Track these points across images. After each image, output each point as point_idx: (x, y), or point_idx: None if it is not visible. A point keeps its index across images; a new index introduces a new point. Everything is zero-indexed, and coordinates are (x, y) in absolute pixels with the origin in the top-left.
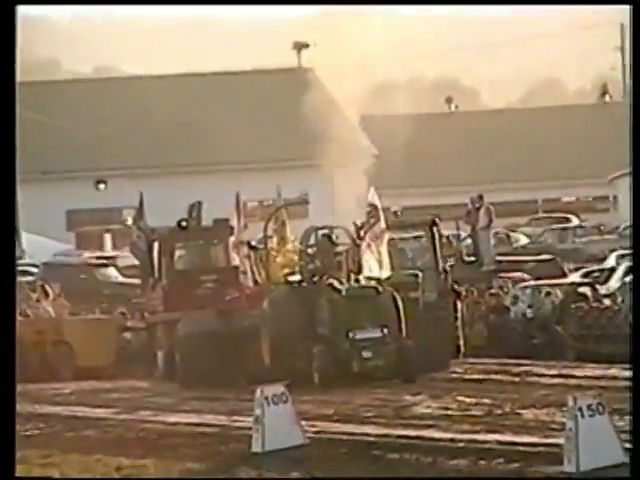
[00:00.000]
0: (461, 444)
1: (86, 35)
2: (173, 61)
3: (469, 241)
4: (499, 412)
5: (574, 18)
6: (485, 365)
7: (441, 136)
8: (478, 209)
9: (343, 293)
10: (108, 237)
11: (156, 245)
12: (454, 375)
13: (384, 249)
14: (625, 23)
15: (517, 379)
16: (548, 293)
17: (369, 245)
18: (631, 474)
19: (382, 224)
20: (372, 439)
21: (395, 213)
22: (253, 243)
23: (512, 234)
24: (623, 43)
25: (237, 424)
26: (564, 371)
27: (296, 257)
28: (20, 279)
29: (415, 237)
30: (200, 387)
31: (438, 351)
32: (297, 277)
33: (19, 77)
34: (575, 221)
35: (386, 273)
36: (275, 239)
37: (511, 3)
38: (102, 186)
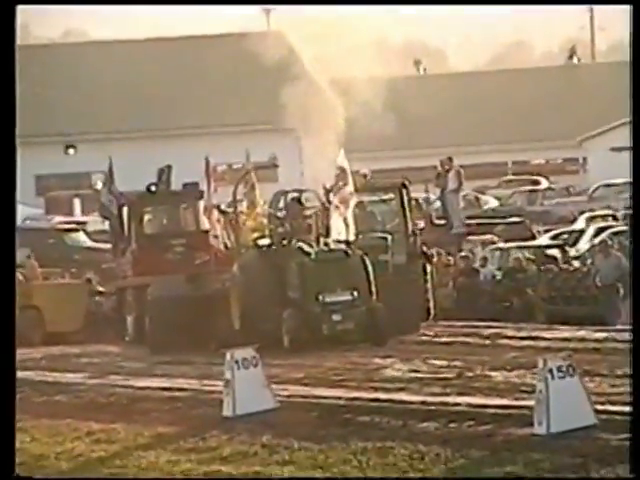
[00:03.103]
0: (432, 407)
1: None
2: (142, 26)
3: (438, 204)
4: (469, 375)
5: None
6: (455, 328)
7: (410, 99)
8: (447, 172)
9: (312, 256)
10: (77, 202)
11: (125, 210)
12: (424, 338)
13: (351, 212)
14: None
15: (487, 341)
16: (517, 256)
17: (338, 208)
18: (631, 474)
19: (351, 187)
20: (343, 402)
21: (364, 176)
22: (223, 207)
23: (481, 196)
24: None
25: (207, 388)
26: (534, 333)
27: (265, 221)
28: None
29: (384, 200)
30: (170, 351)
31: (408, 314)
32: (267, 241)
33: None
34: (544, 183)
35: (352, 237)
36: (245, 203)
37: None
38: (71, 151)
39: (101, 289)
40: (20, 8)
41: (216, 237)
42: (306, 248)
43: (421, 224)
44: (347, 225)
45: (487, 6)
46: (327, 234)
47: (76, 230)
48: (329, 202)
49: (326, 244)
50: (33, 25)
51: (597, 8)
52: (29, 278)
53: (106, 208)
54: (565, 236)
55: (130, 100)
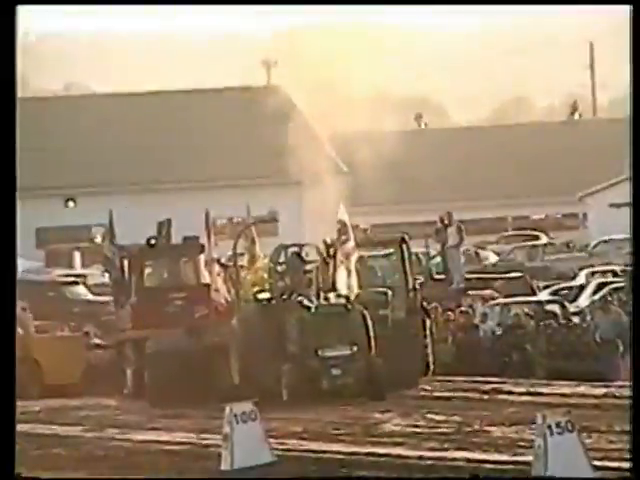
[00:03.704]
0: (430, 462)
1: (54, 52)
2: (142, 79)
3: (438, 259)
4: (468, 429)
5: (543, 35)
6: (454, 383)
7: (411, 153)
8: (447, 227)
9: (312, 311)
10: (77, 255)
11: (126, 263)
12: (423, 393)
13: (354, 267)
14: (594, 40)
15: (486, 396)
16: (517, 312)
17: (339, 263)
18: (631, 474)
19: (352, 242)
20: (341, 457)
21: (365, 230)
22: (223, 261)
23: (481, 252)
24: (592, 61)
25: (206, 442)
26: (533, 389)
27: (266, 275)
28: None
29: (385, 255)
30: (169, 405)
31: (407, 369)
32: (267, 295)
33: None
34: (544, 239)
35: (355, 291)
36: (245, 257)
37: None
38: (71, 204)
39: (100, 342)
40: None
41: (217, 291)
42: (306, 302)
43: (421, 279)
44: (349, 280)
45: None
46: (333, 288)
47: (76, 283)
48: (329, 256)
49: (326, 299)
50: (32, 78)
51: (598, 65)
52: (23, 331)
53: (109, 261)
54: (565, 292)
55: (130, 153)
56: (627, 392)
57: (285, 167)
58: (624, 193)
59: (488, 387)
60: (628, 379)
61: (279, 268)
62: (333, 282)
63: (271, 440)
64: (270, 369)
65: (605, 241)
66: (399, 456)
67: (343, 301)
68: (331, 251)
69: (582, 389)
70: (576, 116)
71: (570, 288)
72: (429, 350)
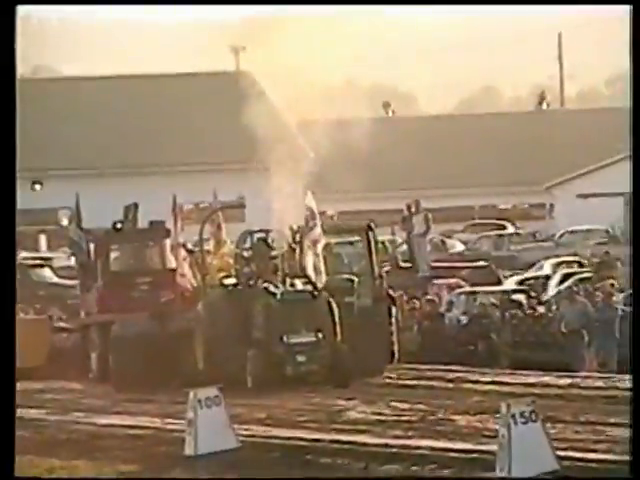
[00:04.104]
0: (394, 449)
1: (22, 35)
2: (110, 62)
3: (405, 247)
4: (432, 418)
5: (512, 27)
6: (419, 371)
7: (378, 141)
8: (414, 215)
9: (278, 297)
10: (43, 238)
11: (92, 246)
12: (388, 380)
13: (320, 253)
14: (563, 32)
15: (451, 385)
16: (483, 301)
17: (305, 249)
18: (631, 474)
19: (318, 228)
20: (305, 443)
21: (331, 217)
22: (189, 246)
23: (448, 240)
24: (560, 52)
25: (170, 427)
26: (498, 378)
27: (232, 260)
28: None
29: (351, 242)
30: (134, 389)
31: (372, 356)
32: (233, 280)
33: None
34: (511, 228)
35: (322, 278)
36: (211, 242)
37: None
38: (38, 186)
39: (65, 325)
40: None
41: (183, 276)
42: (272, 289)
43: (387, 267)
44: (316, 266)
45: (456, 51)
46: (299, 275)
47: (41, 266)
48: (296, 243)
49: (292, 285)
50: None
51: (566, 56)
52: None
53: (76, 243)
54: (531, 282)
55: (97, 137)
56: (592, 383)
57: (253, 153)
58: (591, 184)
59: (453, 376)
60: (593, 370)
61: (245, 254)
62: (299, 268)
63: (235, 426)
64: (235, 355)
65: (571, 232)
66: (363, 444)
67: (309, 288)
68: (297, 237)
69: (547, 379)
70: (544, 106)
71: (536, 278)
72: (394, 338)
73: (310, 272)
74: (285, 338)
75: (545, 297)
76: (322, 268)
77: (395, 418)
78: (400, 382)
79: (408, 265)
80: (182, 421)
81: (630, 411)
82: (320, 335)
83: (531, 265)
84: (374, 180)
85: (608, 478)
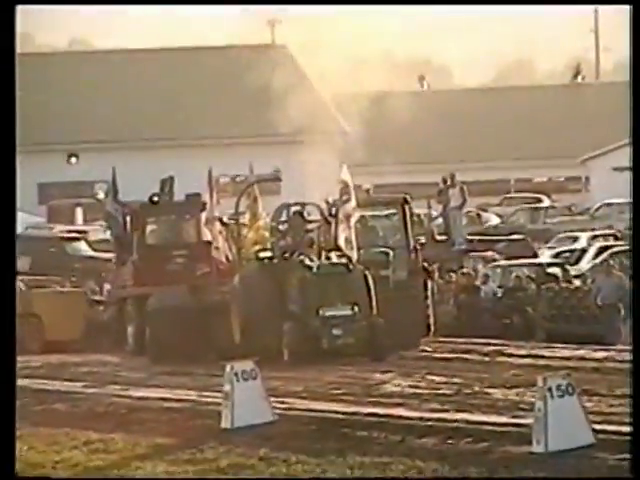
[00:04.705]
0: (430, 423)
1: (58, 9)
2: (146, 35)
3: (440, 220)
4: (468, 391)
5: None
6: (455, 344)
7: (414, 114)
8: (450, 188)
9: (314, 270)
10: (79, 211)
11: (128, 220)
12: (424, 354)
13: (354, 227)
14: (599, 8)
15: (487, 358)
16: (518, 274)
17: (341, 222)
18: (631, 474)
19: (353, 201)
20: (341, 416)
21: (367, 191)
22: (225, 219)
23: (483, 214)
24: (597, 26)
25: (206, 399)
26: (533, 351)
27: (267, 233)
28: None
29: (386, 215)
30: (170, 362)
31: (408, 329)
32: (268, 253)
33: None
34: (546, 201)
35: (354, 252)
36: (247, 215)
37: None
38: (74, 159)
39: (102, 298)
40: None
41: (217, 249)
42: (307, 262)
43: (423, 240)
44: (351, 240)
45: (492, 22)
46: (335, 248)
47: (77, 239)
48: (331, 216)
49: (328, 258)
50: (37, 34)
51: (602, 29)
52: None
53: (112, 217)
54: (567, 255)
55: (133, 110)
56: (628, 356)
57: (289, 126)
58: (627, 157)
59: (489, 349)
60: (628, 343)
61: (281, 227)
62: (335, 242)
63: (272, 399)
64: (271, 328)
65: (607, 204)
66: (399, 417)
67: (344, 261)
68: (333, 211)
69: (583, 352)
70: (579, 79)
71: (572, 251)
72: (430, 311)
73: (343, 245)
74: (321, 311)
75: (581, 270)
76: (354, 242)
77: (431, 391)
78: (436, 355)
79: (444, 238)
80: (219, 394)
81: (630, 412)
82: (356, 308)
83: (568, 239)
84: (410, 153)
85: (608, 478)
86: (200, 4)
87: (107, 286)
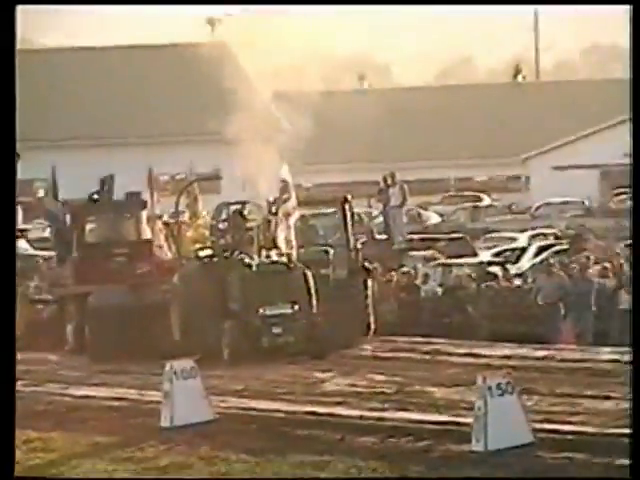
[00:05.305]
0: (370, 421)
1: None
2: (88, 33)
3: (381, 219)
4: (408, 390)
5: None
6: (395, 343)
7: (354, 113)
8: (390, 187)
9: (254, 268)
10: (19, 209)
11: (68, 218)
12: (364, 352)
13: (294, 225)
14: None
15: (427, 357)
16: (458, 273)
17: (280, 221)
18: (631, 474)
19: (293, 200)
20: (281, 415)
21: (307, 189)
22: (165, 217)
23: (424, 212)
24: (536, 24)
25: (146, 398)
26: (474, 350)
27: (207, 232)
28: None
29: (326, 214)
30: (110, 361)
31: (348, 328)
32: (208, 252)
33: None
34: (487, 200)
35: (294, 250)
36: (187, 214)
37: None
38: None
39: (41, 297)
40: None
41: (160, 247)
42: (247, 260)
43: (363, 239)
44: (290, 238)
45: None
46: (274, 246)
47: (17, 237)
48: (271, 214)
49: (268, 256)
50: None
51: (542, 28)
52: None
53: (52, 215)
54: (507, 253)
55: (73, 108)
56: (568, 355)
57: (228, 125)
58: (567, 156)
59: (429, 348)
60: (569, 342)
61: (221, 225)
62: (274, 240)
63: (212, 397)
64: (211, 326)
65: (547, 204)
66: (340, 415)
67: (285, 259)
68: (273, 209)
69: (523, 351)
70: (519, 78)
71: (512, 250)
72: (370, 310)
73: (282, 244)
74: (261, 310)
75: (521, 269)
76: (294, 240)
77: (371, 390)
78: (376, 354)
79: (384, 237)
80: (158, 393)
81: (630, 413)
82: (296, 307)
83: (507, 238)
84: (350, 152)
85: (608, 478)
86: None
87: (46, 285)
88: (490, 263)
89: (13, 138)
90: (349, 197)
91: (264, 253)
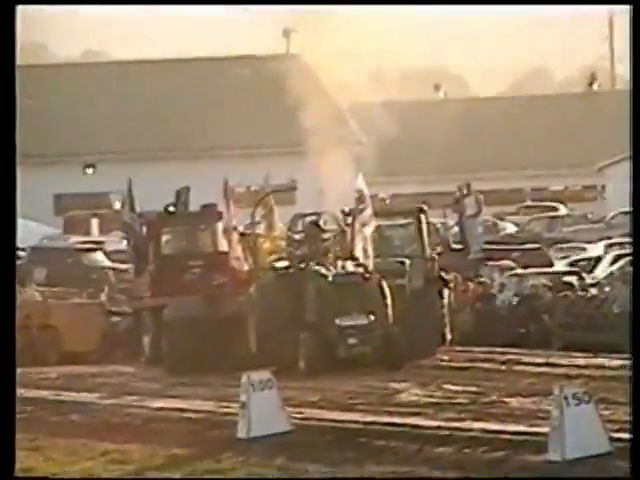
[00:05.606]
0: (447, 432)
1: (72, 19)
2: (162, 47)
3: (456, 229)
4: (485, 400)
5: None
6: (471, 353)
7: (430, 123)
8: (465, 197)
9: (330, 279)
10: (95, 222)
11: (144, 230)
12: (440, 363)
13: (371, 236)
14: (612, 15)
15: (503, 367)
16: (534, 282)
17: (357, 232)
18: (631, 474)
19: (370, 211)
20: (358, 426)
21: (383, 200)
22: (241, 229)
23: (499, 222)
24: (611, 33)
25: (223, 410)
26: (550, 360)
27: (284, 243)
28: None
29: (402, 225)
30: (186, 372)
31: (424, 338)
32: (284, 263)
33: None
34: (563, 210)
35: (370, 260)
36: (263, 225)
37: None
38: (90, 170)
39: (118, 309)
40: (39, 28)
41: (238, 259)
42: (323, 271)
43: (439, 249)
44: (367, 249)
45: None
46: (350, 256)
47: (94, 250)
48: (347, 225)
49: (343, 267)
50: (51, 45)
51: (617, 39)
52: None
53: (129, 227)
54: (583, 263)
55: (150, 121)
56: None
57: (304, 136)
58: None
59: (505, 358)
60: None
61: (297, 236)
62: (351, 251)
63: (288, 409)
64: (287, 337)
65: (624, 213)
66: (416, 426)
67: (361, 270)
68: (349, 220)
69: (599, 360)
70: (595, 87)
71: (588, 259)
72: (446, 320)
73: (359, 254)
74: (337, 320)
75: (597, 278)
76: (370, 251)
77: (447, 400)
78: (452, 364)
79: (460, 247)
80: (235, 404)
81: (630, 413)
82: (372, 317)
83: (582, 248)
84: (426, 162)
85: (608, 478)
86: (204, 4)
87: (123, 297)
88: (566, 272)
89: (13, 139)
90: (425, 207)
91: (340, 264)
